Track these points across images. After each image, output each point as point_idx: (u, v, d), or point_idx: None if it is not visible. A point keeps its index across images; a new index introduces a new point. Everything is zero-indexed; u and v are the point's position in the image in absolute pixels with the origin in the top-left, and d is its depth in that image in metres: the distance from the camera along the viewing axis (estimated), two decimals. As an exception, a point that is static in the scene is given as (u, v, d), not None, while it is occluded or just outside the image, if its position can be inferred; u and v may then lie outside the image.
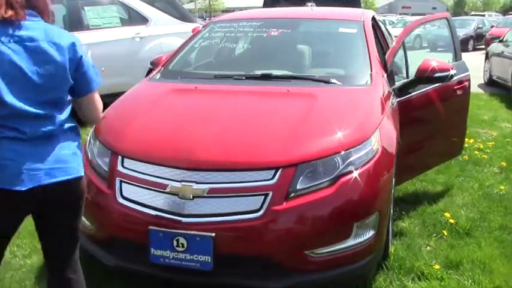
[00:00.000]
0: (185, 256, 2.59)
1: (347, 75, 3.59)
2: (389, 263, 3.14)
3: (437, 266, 3.13)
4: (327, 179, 2.65)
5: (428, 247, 3.48)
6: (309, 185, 2.62)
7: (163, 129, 2.99)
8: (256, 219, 2.54)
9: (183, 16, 8.33)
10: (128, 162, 2.80)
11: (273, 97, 3.28)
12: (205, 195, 2.59)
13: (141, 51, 7.57)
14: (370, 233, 2.74)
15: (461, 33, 19.88)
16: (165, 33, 7.84)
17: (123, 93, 7.30)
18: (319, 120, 2.93)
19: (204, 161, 2.66)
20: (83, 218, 2.97)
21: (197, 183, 2.61)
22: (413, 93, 3.90)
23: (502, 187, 4.53)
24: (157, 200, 2.67)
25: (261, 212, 2.54)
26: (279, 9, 4.80)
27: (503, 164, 5.23)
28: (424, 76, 3.68)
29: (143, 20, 7.73)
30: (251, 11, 4.93)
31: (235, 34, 4.14)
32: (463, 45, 17.43)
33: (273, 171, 2.60)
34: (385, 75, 3.65)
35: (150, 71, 4.64)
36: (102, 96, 7.16)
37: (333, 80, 3.42)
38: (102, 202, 2.83)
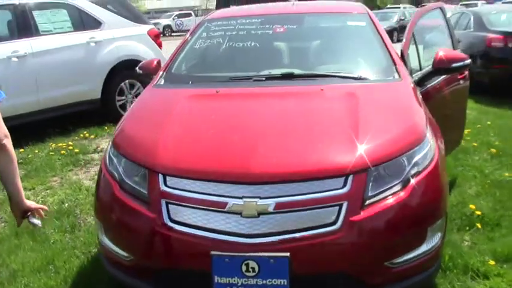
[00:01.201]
0: (257, 281, 2.30)
1: (372, 70, 3.41)
2: (444, 262, 3.01)
3: (492, 262, 3.03)
4: (396, 182, 2.45)
5: (465, 242, 3.39)
6: (380, 190, 2.41)
7: (204, 140, 2.67)
8: (334, 233, 2.30)
9: (137, 17, 7.86)
10: (172, 181, 2.46)
11: (310, 98, 3.03)
12: (272, 211, 2.31)
13: (98, 57, 7.07)
14: (438, 237, 2.58)
15: (384, 25, 20.50)
16: (120, 37, 7.36)
17: (83, 102, 6.92)
18: (372, 120, 2.73)
19: (266, 173, 2.37)
20: (115, 248, 2.63)
21: (261, 198, 2.33)
22: (428, 85, 3.81)
23: (507, 174, 4.56)
24: (217, 221, 2.36)
25: (338, 225, 2.30)
26: (273, 4, 4.56)
27: (493, 150, 5.29)
28: (442, 67, 3.57)
29: (96, 23, 7.19)
30: (245, 7, 4.65)
31: (237, 32, 3.85)
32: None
33: (343, 179, 2.37)
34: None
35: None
36: (63, 107, 6.69)
37: (363, 76, 3.24)
38: (144, 228, 2.48)
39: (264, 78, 3.32)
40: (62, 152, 5.81)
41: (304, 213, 2.32)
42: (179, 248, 2.40)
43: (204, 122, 2.85)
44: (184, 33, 38.71)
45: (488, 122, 6.76)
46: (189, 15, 44.59)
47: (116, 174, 2.69)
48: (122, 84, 7.40)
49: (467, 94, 4.54)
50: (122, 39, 7.36)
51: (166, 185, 2.46)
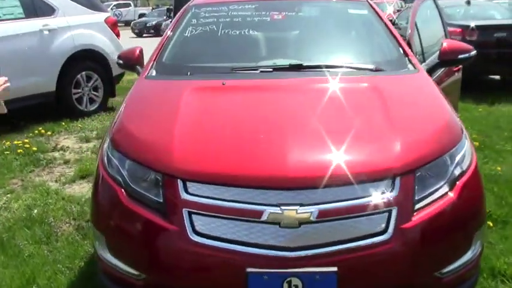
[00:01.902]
0: None
1: (384, 61, 3.17)
2: (471, 266, 2.83)
3: (518, 264, 2.89)
4: (442, 184, 2.23)
5: (479, 241, 3.23)
6: (427, 193, 2.18)
7: (225, 139, 2.33)
8: (385, 243, 2.04)
9: (93, 4, 7.31)
10: (194, 187, 2.13)
11: (329, 91, 2.76)
12: (314, 220, 2.03)
13: (52, 46, 6.50)
14: (479, 243, 2.39)
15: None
16: (76, 24, 6.80)
17: (36, 96, 6.32)
18: (405, 115, 2.49)
19: (306, 177, 2.08)
20: (122, 265, 2.27)
21: (302, 205, 2.04)
22: (433, 77, 3.63)
23: (498, 168, 4.49)
24: (251, 232, 2.05)
25: (389, 233, 2.05)
26: None
27: (476, 143, 5.22)
28: (448, 59, 3.39)
29: (49, 9, 6.61)
30: None
31: (232, 19, 3.52)
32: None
33: (390, 181, 2.12)
34: None
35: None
36: (14, 101, 6.02)
37: (376, 67, 3.01)
38: (162, 242, 2.13)
39: (271, 70, 3.01)
40: (19, 150, 5.25)
41: (350, 222, 2.05)
42: (207, 265, 2.08)
43: (218, 118, 2.51)
44: (123, 24, 37.64)
45: (459, 115, 6.73)
46: (128, 5, 43.29)
47: (120, 179, 2.31)
48: (78, 76, 6.85)
49: (460, 87, 4.43)
50: (77, 27, 6.81)
51: (187, 192, 2.12)
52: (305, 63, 3.06)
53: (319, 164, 2.14)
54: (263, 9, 3.58)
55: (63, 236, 3.41)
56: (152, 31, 29.41)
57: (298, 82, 2.87)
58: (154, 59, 3.25)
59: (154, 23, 30.71)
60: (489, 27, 8.86)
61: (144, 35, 29.34)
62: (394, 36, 3.34)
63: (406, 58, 3.15)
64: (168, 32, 3.55)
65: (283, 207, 2.03)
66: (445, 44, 3.37)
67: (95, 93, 7.08)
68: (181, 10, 3.84)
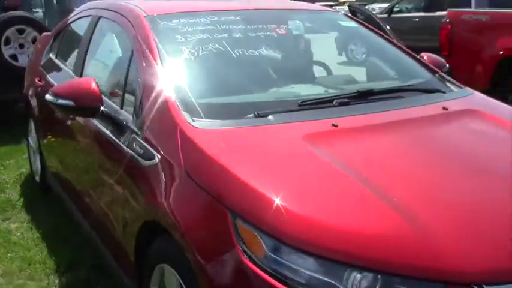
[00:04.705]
0: None
1: (429, 80, 2.82)
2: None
3: None
4: None
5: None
6: None
7: (458, 212, 1.71)
8: None
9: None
10: None
11: (454, 125, 2.40)
12: None
13: None
14: None
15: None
16: None
17: None
18: None
19: None
20: None
21: None
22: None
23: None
24: None
25: None
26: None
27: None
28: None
29: None
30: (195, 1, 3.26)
31: (230, 34, 2.77)
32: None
33: None
34: None
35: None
36: None
37: (443, 89, 2.71)
38: None
39: (346, 100, 2.37)
40: None
41: None
42: None
43: (402, 179, 1.86)
44: None
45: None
46: None
47: None
48: None
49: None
50: None
51: None
52: (376, 89, 2.52)
53: None
54: (247, 21, 2.89)
55: None
56: None
57: (402, 114, 2.36)
58: (174, 98, 2.18)
59: None
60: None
61: None
62: (407, 53, 3.02)
63: (437, 75, 2.88)
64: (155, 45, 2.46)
65: None
66: (425, 58, 3.18)
67: None
68: (139, 23, 2.68)
